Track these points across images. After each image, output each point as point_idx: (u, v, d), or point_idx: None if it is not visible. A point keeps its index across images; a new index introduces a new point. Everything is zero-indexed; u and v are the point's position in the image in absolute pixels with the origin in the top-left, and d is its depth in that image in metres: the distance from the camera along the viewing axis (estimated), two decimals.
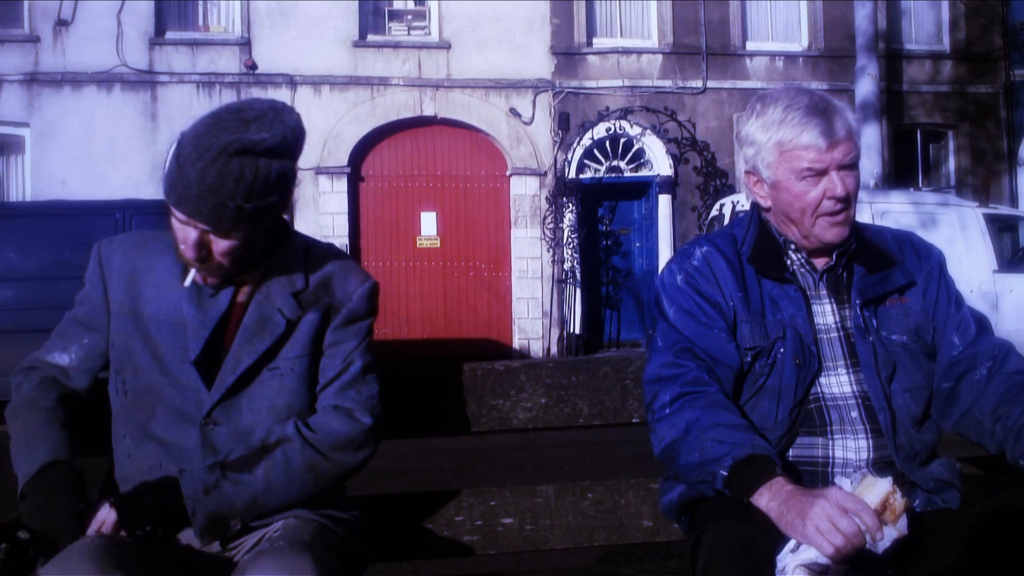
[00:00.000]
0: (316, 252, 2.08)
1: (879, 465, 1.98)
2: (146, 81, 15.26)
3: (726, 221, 11.97)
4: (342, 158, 15.50)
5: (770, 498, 1.74)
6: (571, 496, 2.50)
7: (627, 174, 16.58)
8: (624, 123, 16.18)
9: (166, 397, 1.96)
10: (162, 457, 1.94)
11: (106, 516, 1.82)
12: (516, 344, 16.04)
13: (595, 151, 16.38)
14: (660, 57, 16.71)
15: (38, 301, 9.73)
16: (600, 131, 16.13)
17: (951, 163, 17.98)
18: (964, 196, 14.65)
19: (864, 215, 10.60)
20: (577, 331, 15.85)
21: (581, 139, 15.98)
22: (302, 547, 1.79)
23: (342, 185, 15.50)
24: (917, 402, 2.05)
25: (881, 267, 2.10)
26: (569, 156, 15.96)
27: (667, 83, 16.60)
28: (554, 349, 15.93)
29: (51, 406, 1.98)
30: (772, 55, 17.14)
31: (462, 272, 16.13)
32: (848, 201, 2.02)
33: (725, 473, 1.80)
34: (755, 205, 2.20)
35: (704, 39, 16.69)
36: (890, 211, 11.21)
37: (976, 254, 11.52)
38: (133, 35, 15.22)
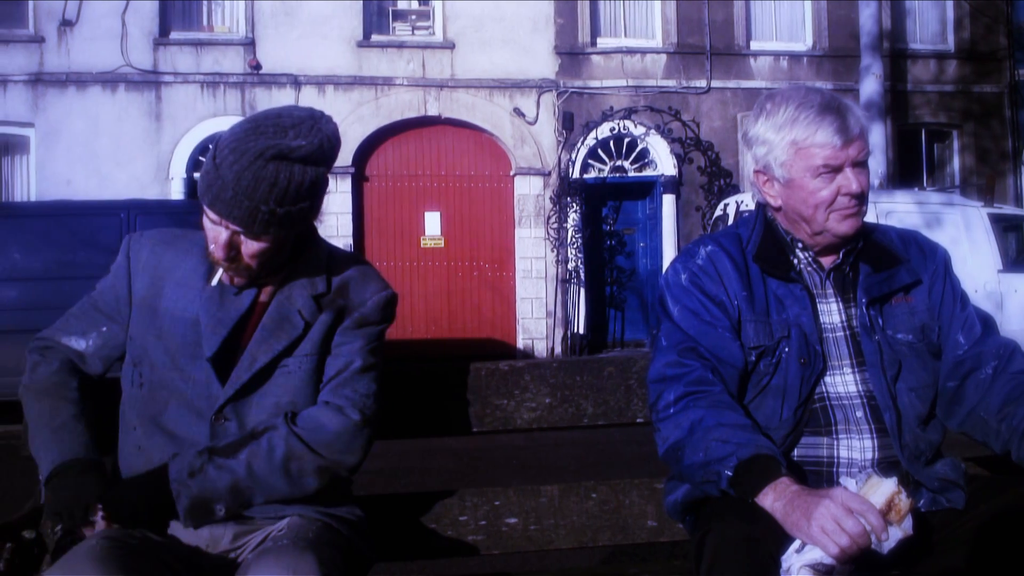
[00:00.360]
0: (339, 258, 2.11)
1: (884, 465, 1.97)
2: (150, 81, 15.28)
3: (730, 221, 11.96)
4: (346, 158, 15.51)
5: (775, 498, 1.74)
6: (575, 496, 2.50)
7: (631, 174, 16.58)
8: (628, 123, 16.17)
9: (178, 392, 1.98)
10: (172, 450, 1.94)
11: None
12: (520, 344, 16.04)
13: (599, 151, 16.37)
14: (664, 57, 16.70)
15: (43, 301, 9.74)
16: (604, 131, 16.13)
17: (956, 163, 17.95)
18: (969, 196, 14.63)
19: (869, 215, 10.51)
20: (581, 331, 15.85)
21: (585, 139, 15.97)
22: (306, 545, 1.79)
23: (346, 185, 15.51)
24: (923, 401, 2.04)
25: (886, 266, 2.10)
26: (573, 156, 15.95)
27: (671, 83, 16.59)
28: (558, 349, 15.93)
29: (78, 397, 2.01)
30: (776, 55, 17.12)
31: (466, 272, 16.13)
32: (862, 198, 2.02)
33: (730, 473, 1.80)
34: (760, 205, 2.20)
35: (708, 39, 16.69)
36: (895, 211, 11.19)
37: (981, 254, 11.50)
38: (137, 35, 15.24)
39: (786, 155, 2.03)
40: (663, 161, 16.40)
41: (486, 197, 16.29)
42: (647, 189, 16.66)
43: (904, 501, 1.73)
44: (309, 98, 15.37)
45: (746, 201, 11.77)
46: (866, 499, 1.70)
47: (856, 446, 1.99)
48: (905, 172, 17.30)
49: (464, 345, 15.39)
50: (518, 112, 16.11)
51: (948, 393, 2.07)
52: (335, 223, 15.26)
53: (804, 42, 17.41)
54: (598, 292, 16.47)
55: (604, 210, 16.62)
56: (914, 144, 17.84)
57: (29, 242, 9.97)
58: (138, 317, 2.04)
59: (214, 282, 1.98)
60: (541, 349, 16.05)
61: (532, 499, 2.49)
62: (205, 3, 15.96)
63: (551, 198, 16.00)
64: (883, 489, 1.73)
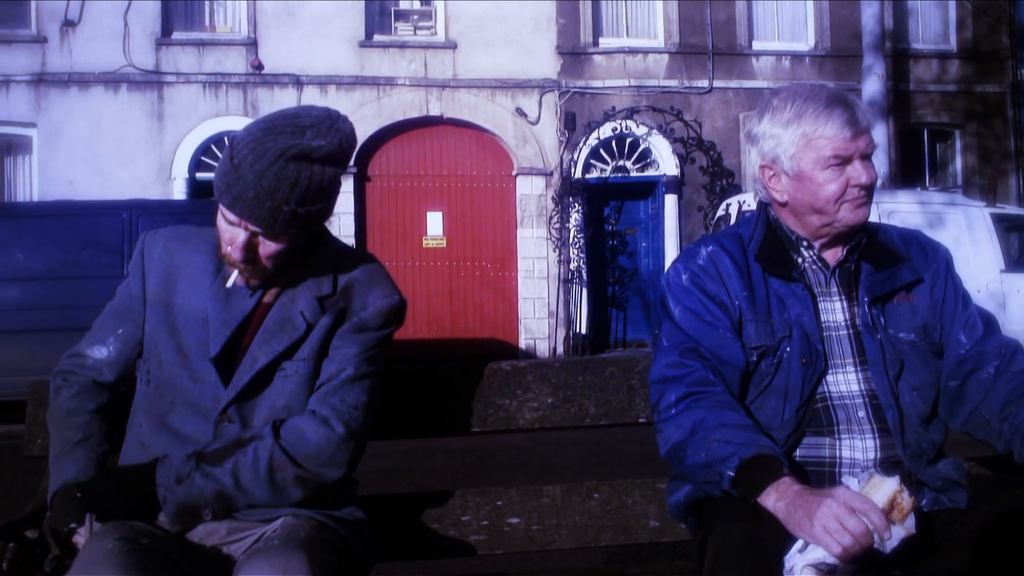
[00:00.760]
0: (349, 258, 2.10)
1: (886, 465, 1.97)
2: (153, 81, 15.28)
3: (732, 221, 11.95)
4: None
5: (777, 498, 1.74)
6: (577, 496, 2.50)
7: (633, 174, 16.57)
8: (630, 123, 16.16)
9: (185, 391, 1.98)
10: (175, 449, 1.95)
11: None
12: (522, 344, 16.04)
13: (601, 151, 16.37)
14: (666, 57, 16.70)
15: (45, 301, 9.77)
16: (606, 131, 16.12)
17: (958, 163, 17.94)
18: (971, 196, 14.62)
19: (871, 215, 10.53)
20: (583, 331, 15.84)
21: (587, 139, 15.96)
22: (296, 545, 1.79)
23: (348, 185, 15.50)
24: (925, 400, 2.04)
25: (888, 264, 2.10)
26: (575, 156, 15.94)
27: (673, 83, 16.58)
28: (560, 349, 15.93)
29: (87, 422, 2.04)
30: (778, 55, 17.12)
31: (468, 272, 16.13)
32: (870, 189, 2.02)
33: (732, 473, 1.80)
34: (762, 205, 2.20)
35: (710, 39, 16.68)
36: (897, 211, 11.18)
37: (983, 254, 11.49)
38: (140, 35, 15.25)
39: (795, 147, 2.03)
40: (665, 161, 16.39)
41: (488, 197, 16.28)
42: (649, 189, 16.65)
43: (906, 500, 1.73)
44: (311, 98, 15.38)
45: (748, 201, 11.75)
46: (868, 498, 1.70)
47: (858, 446, 1.98)
48: (907, 172, 17.29)
49: (466, 345, 15.39)
50: (520, 112, 16.10)
51: (950, 393, 2.07)
52: (337, 223, 15.25)
53: (806, 42, 17.40)
54: (600, 292, 16.46)
55: (606, 210, 16.61)
56: (916, 144, 17.83)
57: (31, 242, 9.98)
58: (152, 314, 2.05)
59: (229, 284, 1.97)
60: (543, 349, 16.05)
61: (534, 499, 2.48)
62: (207, 3, 15.96)
63: (553, 198, 16.00)
64: (885, 488, 1.73)
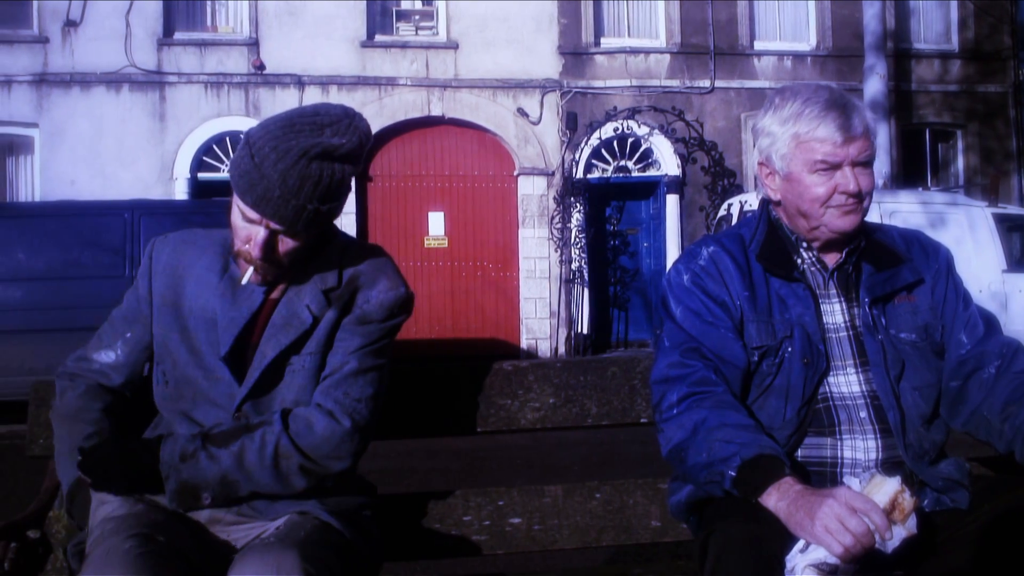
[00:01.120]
0: (355, 251, 2.11)
1: (888, 465, 1.97)
2: (154, 82, 15.29)
3: (734, 221, 11.95)
4: None
5: (779, 498, 1.73)
6: (579, 496, 2.50)
7: (635, 174, 16.57)
8: (632, 123, 16.15)
9: (202, 389, 2.00)
10: None
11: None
12: (524, 344, 16.04)
13: (603, 151, 16.37)
14: (668, 57, 16.70)
15: (47, 301, 9.77)
16: (608, 131, 16.11)
17: (960, 163, 17.93)
18: (973, 196, 14.61)
19: (873, 215, 10.46)
20: (585, 331, 15.84)
21: (589, 139, 15.95)
22: (291, 544, 1.78)
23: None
24: (926, 400, 2.04)
25: (889, 265, 2.10)
26: (577, 156, 15.94)
27: (675, 83, 16.58)
28: (562, 349, 15.93)
29: (97, 418, 2.03)
30: (780, 55, 17.11)
31: (470, 272, 16.13)
32: (860, 197, 2.01)
33: (733, 473, 1.80)
34: (764, 204, 2.20)
35: (712, 39, 16.68)
36: (899, 211, 11.17)
37: (985, 254, 11.48)
38: (141, 36, 15.25)
39: (787, 148, 2.03)
40: (667, 161, 16.38)
41: (490, 197, 16.28)
42: (651, 189, 16.65)
43: (908, 500, 1.73)
44: (312, 98, 15.37)
45: (750, 201, 11.76)
46: (870, 498, 1.70)
47: (860, 446, 1.98)
48: (909, 172, 17.28)
49: (467, 345, 15.40)
50: (522, 112, 16.10)
51: (951, 393, 2.07)
52: (338, 223, 15.14)
53: (808, 42, 17.39)
54: (602, 292, 16.46)
55: (608, 210, 16.61)
56: (918, 144, 17.82)
57: (33, 242, 9.98)
58: (160, 316, 2.06)
59: (244, 280, 1.98)
60: (545, 349, 16.05)
61: (536, 499, 2.48)
62: (209, 3, 15.97)
63: (555, 198, 15.99)
64: (887, 488, 1.73)
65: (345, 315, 2.03)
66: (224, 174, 15.40)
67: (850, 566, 1.66)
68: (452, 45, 16.08)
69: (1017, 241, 12.34)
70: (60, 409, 2.07)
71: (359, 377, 2.00)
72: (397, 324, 2.08)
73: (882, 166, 14.11)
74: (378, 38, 16.05)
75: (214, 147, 15.44)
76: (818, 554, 1.66)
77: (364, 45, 15.88)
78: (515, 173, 16.21)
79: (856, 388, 2.03)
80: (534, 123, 16.15)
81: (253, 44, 15.59)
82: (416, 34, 16.19)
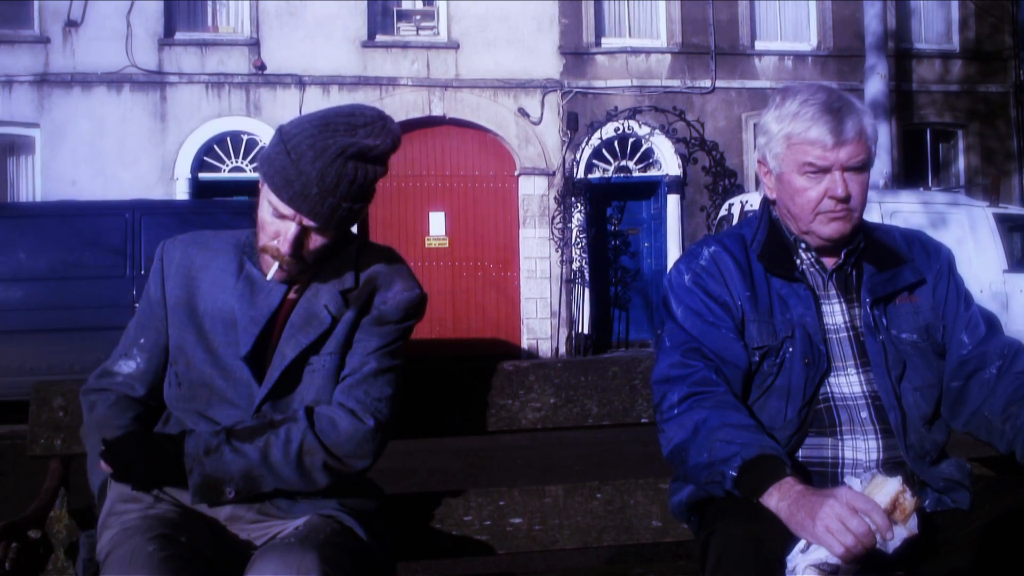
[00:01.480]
0: (370, 252, 2.13)
1: (889, 466, 1.97)
2: (155, 82, 15.29)
3: (735, 221, 11.94)
4: None
5: (780, 498, 1.73)
6: (580, 496, 2.50)
7: (636, 174, 16.56)
8: (633, 123, 16.14)
9: (218, 390, 2.00)
10: None
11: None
12: (525, 344, 16.04)
13: (604, 151, 16.36)
14: (669, 57, 16.69)
15: (48, 301, 9.78)
16: (609, 131, 16.11)
17: (961, 163, 17.93)
18: (974, 196, 14.59)
19: (874, 215, 10.55)
20: (586, 331, 15.83)
21: (590, 139, 15.95)
22: (311, 545, 1.80)
23: None
24: (927, 401, 2.04)
25: (890, 265, 2.10)
26: (578, 156, 15.93)
27: (676, 83, 16.58)
28: (563, 349, 15.92)
29: (126, 424, 2.03)
30: (781, 55, 17.10)
31: (470, 272, 16.13)
32: (850, 202, 2.00)
33: (734, 473, 1.80)
34: (765, 203, 2.20)
35: (713, 39, 16.68)
36: (900, 211, 11.17)
37: (986, 254, 11.47)
38: (142, 36, 15.25)
39: (780, 148, 2.04)
40: (667, 161, 16.38)
41: (490, 197, 16.28)
42: (651, 189, 16.64)
43: (909, 500, 1.73)
44: (314, 98, 15.38)
45: (751, 201, 11.75)
46: (871, 498, 1.70)
47: (861, 447, 1.98)
48: (910, 172, 17.28)
49: (468, 345, 15.39)
50: (522, 112, 16.10)
51: (952, 393, 2.07)
52: None
53: (809, 42, 17.39)
54: (602, 292, 16.46)
55: (608, 210, 16.61)
56: (919, 144, 17.81)
57: (34, 242, 9.98)
58: (175, 318, 2.06)
59: (270, 276, 1.99)
60: (545, 349, 16.04)
61: (537, 499, 2.48)
62: (210, 3, 15.97)
63: (555, 198, 15.99)
64: (888, 488, 1.73)
65: (363, 316, 2.05)
66: (225, 174, 15.42)
67: (851, 566, 1.66)
68: (453, 45, 16.08)
69: (1018, 241, 12.33)
70: (90, 422, 2.06)
71: (379, 377, 2.02)
72: (411, 325, 2.11)
73: (883, 166, 14.11)
74: (379, 38, 16.05)
75: (215, 147, 15.44)
76: (819, 554, 1.66)
77: (365, 45, 15.88)
78: (516, 173, 16.21)
79: (857, 388, 2.02)
80: (535, 123, 16.15)
81: (254, 44, 15.59)
82: (417, 34, 16.19)
